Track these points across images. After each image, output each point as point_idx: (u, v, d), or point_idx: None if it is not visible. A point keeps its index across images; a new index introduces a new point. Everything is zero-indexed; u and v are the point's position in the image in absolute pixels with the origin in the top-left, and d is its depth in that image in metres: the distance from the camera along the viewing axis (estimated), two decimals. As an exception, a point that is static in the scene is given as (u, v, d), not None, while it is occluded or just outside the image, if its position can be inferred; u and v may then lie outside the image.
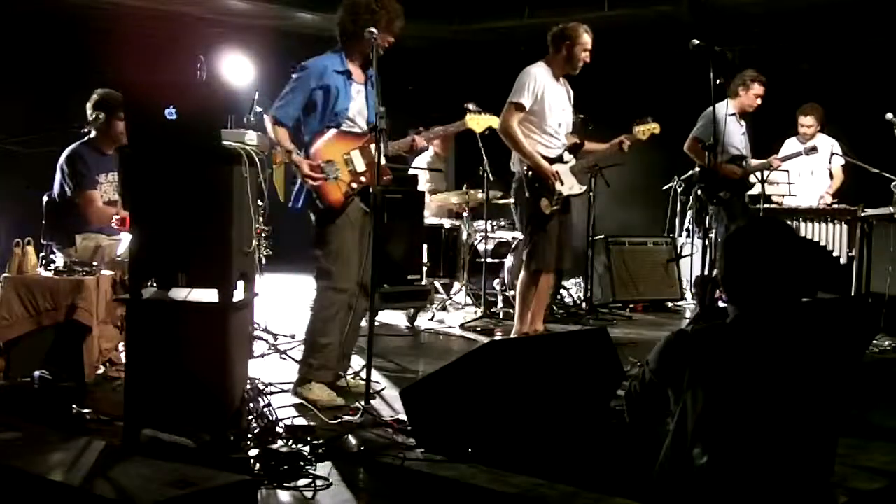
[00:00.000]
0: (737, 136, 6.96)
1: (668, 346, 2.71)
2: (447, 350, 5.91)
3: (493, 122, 5.19)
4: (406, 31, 4.47)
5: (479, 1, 9.33)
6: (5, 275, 4.46)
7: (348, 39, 4.36)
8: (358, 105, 4.39)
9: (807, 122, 7.66)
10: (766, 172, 6.93)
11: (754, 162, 7.03)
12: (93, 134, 5.08)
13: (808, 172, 7.71)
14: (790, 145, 7.69)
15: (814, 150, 7.23)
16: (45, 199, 5.12)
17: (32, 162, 5.08)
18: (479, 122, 5.06)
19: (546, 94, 5.56)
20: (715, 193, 6.14)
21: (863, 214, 6.56)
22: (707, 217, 6.04)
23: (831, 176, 7.79)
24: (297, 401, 4.20)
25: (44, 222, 5.07)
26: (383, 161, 4.28)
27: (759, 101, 6.98)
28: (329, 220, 4.29)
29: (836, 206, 7.09)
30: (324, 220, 4.31)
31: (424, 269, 7.17)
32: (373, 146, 4.22)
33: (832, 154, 7.58)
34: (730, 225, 6.66)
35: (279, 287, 7.09)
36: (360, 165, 4.31)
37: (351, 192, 4.30)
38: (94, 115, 5.01)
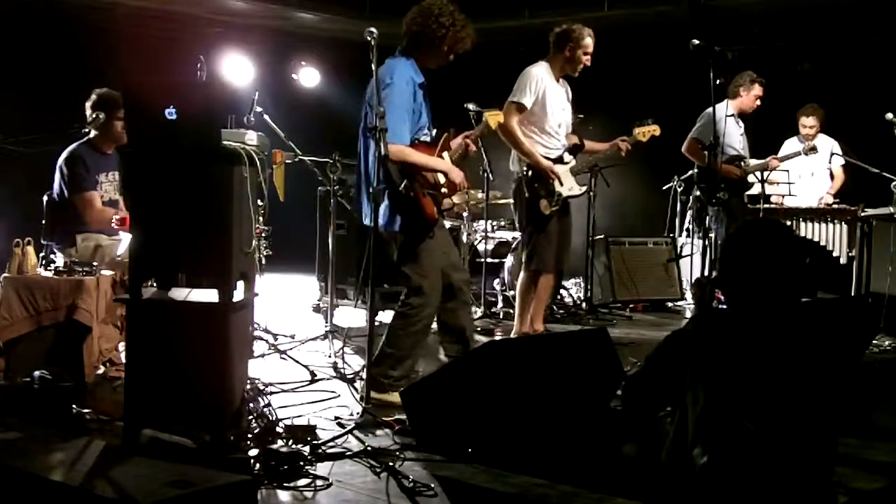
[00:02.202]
0: (735, 136, 6.97)
1: (669, 345, 2.72)
2: (447, 350, 5.90)
3: (500, 116, 5.26)
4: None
5: (479, 1, 9.31)
6: (5, 275, 4.45)
7: (425, 46, 4.31)
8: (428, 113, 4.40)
9: (808, 122, 7.65)
10: (765, 173, 6.93)
11: (752, 162, 7.03)
12: (92, 134, 5.07)
13: (808, 173, 7.71)
14: (790, 145, 7.68)
15: (813, 150, 7.22)
16: (45, 199, 5.13)
17: (32, 162, 5.07)
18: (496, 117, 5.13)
19: (547, 94, 5.57)
20: (714, 194, 6.14)
21: (863, 214, 6.56)
22: (707, 217, 6.04)
23: (832, 176, 7.79)
24: (297, 401, 4.20)
25: (44, 222, 5.07)
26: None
27: (758, 102, 7.00)
28: (423, 237, 4.24)
29: (836, 206, 7.09)
30: (419, 236, 4.25)
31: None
32: (445, 153, 4.31)
33: (832, 154, 7.57)
34: (729, 226, 6.67)
35: (279, 287, 7.10)
36: (441, 176, 4.32)
37: (440, 204, 4.32)
38: (93, 115, 5.00)
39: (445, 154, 4.45)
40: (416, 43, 4.32)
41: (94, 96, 5.03)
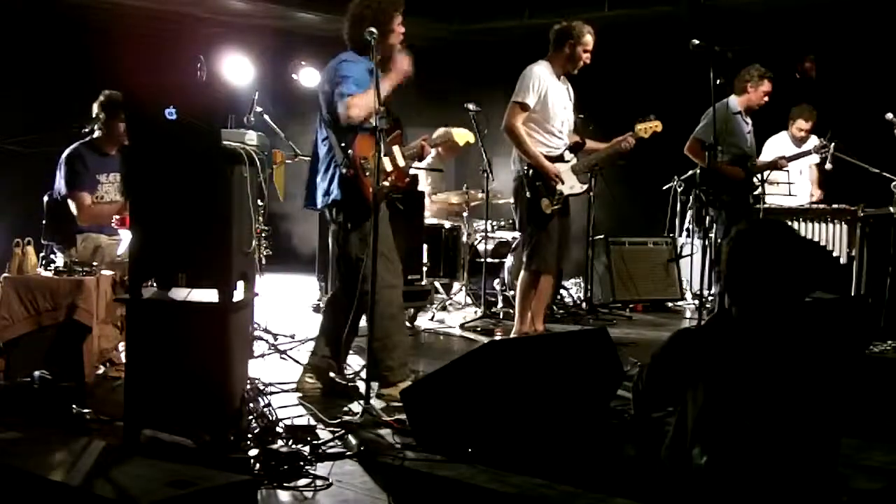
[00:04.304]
0: (743, 134, 6.75)
1: (673, 343, 2.72)
2: (447, 350, 5.91)
3: (470, 137, 5.24)
4: (406, 30, 4.47)
5: (479, 1, 9.33)
6: (5, 275, 4.46)
7: (365, 47, 4.32)
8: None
9: (806, 126, 7.62)
10: (765, 172, 6.86)
11: (760, 162, 6.94)
12: (96, 134, 5.09)
13: (796, 172, 7.66)
14: (780, 142, 7.64)
15: (825, 147, 7.09)
16: (45, 199, 5.13)
17: (32, 162, 5.09)
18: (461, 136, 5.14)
19: (549, 92, 5.56)
20: (716, 196, 6.08)
21: (863, 214, 6.54)
22: (707, 217, 6.01)
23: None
24: (297, 401, 4.20)
25: (44, 222, 5.08)
26: (402, 164, 4.45)
27: (766, 98, 6.75)
28: (365, 219, 4.24)
29: (836, 206, 7.05)
30: (360, 219, 4.27)
31: (424, 269, 7.17)
32: (395, 147, 4.34)
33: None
34: (730, 227, 6.60)
35: (279, 287, 7.10)
36: (388, 165, 4.33)
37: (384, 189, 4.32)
38: (95, 114, 5.02)
39: (395, 147, 4.44)
40: (354, 45, 4.36)
41: (101, 97, 5.05)
